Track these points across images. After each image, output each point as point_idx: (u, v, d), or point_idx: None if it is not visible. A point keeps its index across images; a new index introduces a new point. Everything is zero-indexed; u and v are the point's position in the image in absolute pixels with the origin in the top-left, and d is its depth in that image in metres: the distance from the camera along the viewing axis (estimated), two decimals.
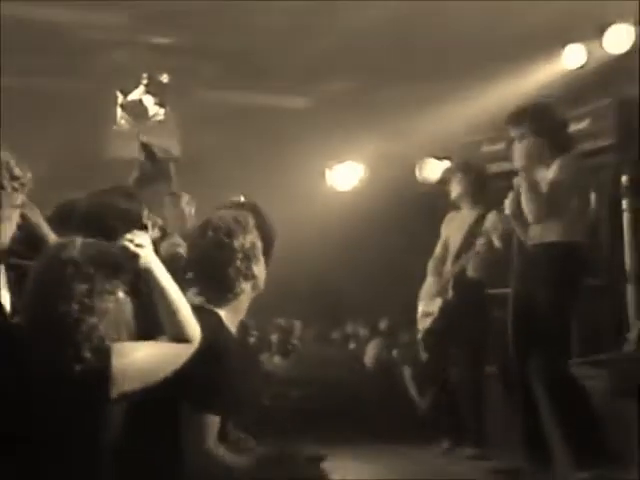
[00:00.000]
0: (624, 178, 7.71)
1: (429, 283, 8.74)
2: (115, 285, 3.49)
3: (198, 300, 4.09)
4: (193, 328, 3.55)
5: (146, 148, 7.44)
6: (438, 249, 8.73)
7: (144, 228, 4.46)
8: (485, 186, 8.30)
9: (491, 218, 7.91)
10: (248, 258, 4.09)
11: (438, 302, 8.49)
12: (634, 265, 7.55)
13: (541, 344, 6.42)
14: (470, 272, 8.27)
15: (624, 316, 7.63)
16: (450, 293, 8.33)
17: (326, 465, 6.76)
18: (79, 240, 3.47)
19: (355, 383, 11.19)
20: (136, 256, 3.53)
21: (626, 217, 7.64)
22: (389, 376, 11.31)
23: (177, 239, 6.03)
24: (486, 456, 7.75)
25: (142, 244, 3.55)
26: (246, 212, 4.29)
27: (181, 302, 3.57)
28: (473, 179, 8.36)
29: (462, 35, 9.51)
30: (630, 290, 7.57)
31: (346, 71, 11.06)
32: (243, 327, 11.11)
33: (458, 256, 8.39)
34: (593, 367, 7.00)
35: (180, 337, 3.53)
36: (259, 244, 4.19)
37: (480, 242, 7.91)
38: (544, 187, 6.47)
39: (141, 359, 3.43)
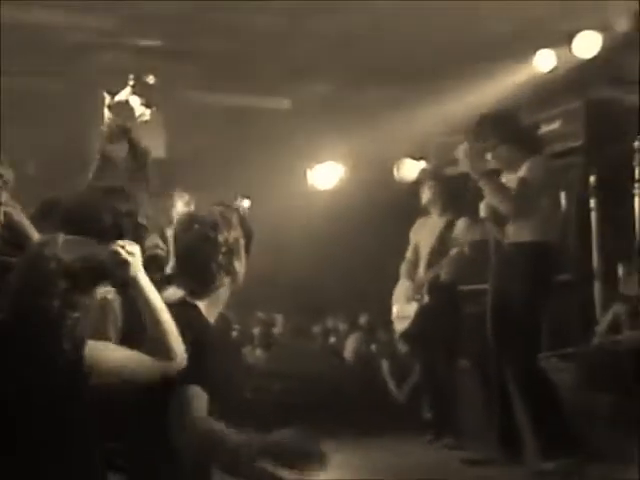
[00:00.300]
0: (592, 178, 7.78)
1: (403, 286, 8.80)
2: (99, 282, 3.55)
3: (179, 293, 4.07)
4: (175, 342, 3.56)
5: (132, 142, 7.53)
6: (409, 254, 8.81)
7: (141, 228, 4.50)
8: (455, 192, 8.29)
9: (460, 225, 8.03)
10: (231, 253, 4.07)
11: (414, 306, 8.54)
12: (601, 262, 7.62)
13: (513, 338, 6.47)
14: (443, 276, 8.34)
15: (592, 311, 7.71)
16: (425, 298, 8.38)
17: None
18: (61, 237, 3.48)
19: (335, 376, 11.19)
20: (127, 263, 3.54)
21: (594, 216, 7.71)
22: (368, 370, 11.37)
23: (157, 240, 6.08)
24: (462, 447, 7.80)
25: (133, 252, 3.57)
26: (230, 209, 4.28)
27: (163, 314, 3.59)
28: (443, 186, 8.44)
29: (439, 39, 9.59)
30: (597, 286, 7.65)
31: (328, 73, 11.15)
32: (225, 320, 11.19)
33: (430, 262, 8.45)
34: (562, 360, 7.10)
35: (160, 348, 3.53)
36: (242, 240, 4.17)
37: (453, 252, 8.01)
38: (513, 187, 6.53)
39: (116, 358, 3.48)
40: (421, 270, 8.56)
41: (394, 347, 11.56)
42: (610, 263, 7.45)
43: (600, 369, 6.77)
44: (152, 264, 4.34)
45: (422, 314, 8.38)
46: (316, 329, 12.82)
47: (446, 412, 8.50)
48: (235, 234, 4.11)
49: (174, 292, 4.06)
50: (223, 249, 4.03)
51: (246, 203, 8.59)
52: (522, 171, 6.52)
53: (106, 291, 4.26)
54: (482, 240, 7.29)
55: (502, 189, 6.59)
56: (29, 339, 3.30)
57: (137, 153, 5.46)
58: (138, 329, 3.68)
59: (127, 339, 3.85)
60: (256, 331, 12.56)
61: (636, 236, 7.05)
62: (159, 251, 5.67)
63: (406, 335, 8.74)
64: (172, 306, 3.85)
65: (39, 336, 3.30)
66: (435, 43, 9.67)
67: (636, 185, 7.01)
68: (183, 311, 3.87)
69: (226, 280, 4.07)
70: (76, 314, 3.34)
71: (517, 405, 6.72)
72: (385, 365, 11.33)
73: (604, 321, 7.35)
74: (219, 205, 4.33)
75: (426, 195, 8.68)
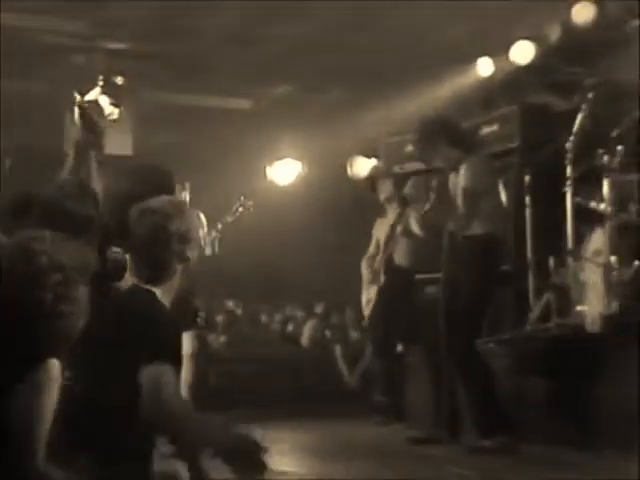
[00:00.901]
0: (527, 177, 7.84)
1: (365, 276, 8.89)
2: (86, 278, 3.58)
3: (131, 280, 4.08)
4: None
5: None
6: (371, 248, 8.92)
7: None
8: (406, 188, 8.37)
9: (411, 215, 8.04)
10: (183, 241, 4.08)
11: (374, 289, 8.67)
12: (534, 254, 7.68)
13: (459, 324, 6.58)
14: (397, 259, 8.50)
15: (526, 300, 7.76)
16: (382, 279, 8.52)
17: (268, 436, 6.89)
18: (48, 233, 3.39)
19: (293, 361, 11.39)
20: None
21: (528, 213, 7.78)
22: (323, 354, 11.56)
23: None
24: (408, 427, 7.86)
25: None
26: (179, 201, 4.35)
27: None
28: (395, 183, 8.44)
29: (390, 47, 9.80)
30: (531, 276, 7.72)
31: (286, 76, 11.28)
32: (190, 308, 11.24)
33: (385, 247, 8.60)
34: (499, 345, 7.09)
35: None
36: (193, 228, 4.19)
37: (399, 229, 8.16)
38: (456, 186, 6.64)
39: None
40: (379, 258, 8.70)
41: (346, 333, 11.76)
42: (542, 256, 7.46)
43: (532, 354, 6.85)
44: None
45: (380, 295, 8.52)
46: (277, 317, 12.94)
47: (395, 394, 8.56)
48: (187, 222, 4.12)
49: (126, 279, 4.09)
50: (175, 238, 4.03)
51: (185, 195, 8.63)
52: (462, 172, 6.61)
53: None
54: (433, 226, 7.30)
55: (440, 187, 6.71)
56: (15, 331, 3.20)
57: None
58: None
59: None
60: (220, 319, 12.69)
61: (566, 230, 7.09)
62: (118, 256, 5.62)
63: (370, 317, 8.80)
64: (125, 293, 3.94)
65: (29, 328, 3.21)
66: (387, 50, 9.86)
67: (567, 183, 7.01)
68: (137, 297, 3.91)
69: (179, 267, 4.09)
70: (68, 307, 3.28)
71: (459, 388, 6.81)
72: (338, 350, 11.51)
73: (536, 309, 7.43)
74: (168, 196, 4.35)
75: (382, 193, 8.79)
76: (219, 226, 8.34)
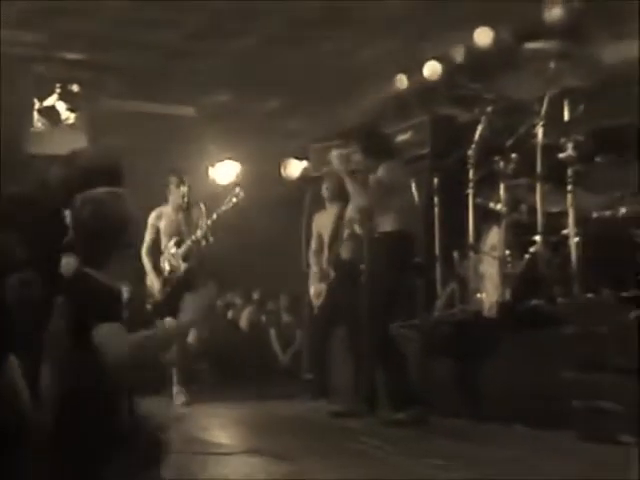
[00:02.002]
0: (435, 180, 7.90)
1: (314, 271, 8.81)
2: None
3: (73, 264, 4.05)
4: None
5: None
6: (314, 244, 8.85)
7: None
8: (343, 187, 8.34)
9: (349, 211, 8.09)
10: (123, 229, 3.98)
11: (324, 284, 8.61)
12: (441, 248, 7.72)
13: (375, 309, 6.62)
14: (344, 254, 8.37)
15: (433, 289, 7.80)
16: (332, 274, 8.47)
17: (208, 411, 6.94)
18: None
19: (234, 343, 11.54)
20: None
21: (436, 211, 7.83)
22: (259, 337, 11.70)
23: None
24: (330, 401, 7.93)
25: None
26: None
27: None
28: (334, 183, 8.42)
29: (320, 62, 9.97)
30: (438, 268, 7.76)
31: (227, 86, 11.33)
32: (142, 295, 11.24)
33: (331, 245, 8.54)
34: (410, 329, 7.18)
35: None
36: (132, 217, 4.07)
37: (346, 232, 8.02)
38: (372, 187, 6.71)
39: None
40: (325, 253, 8.66)
41: (280, 318, 11.88)
42: (448, 250, 7.54)
43: (439, 336, 6.95)
44: None
45: (330, 289, 8.48)
46: (219, 303, 13.03)
47: (321, 373, 8.61)
48: (126, 210, 4.04)
49: (67, 262, 4.11)
50: (115, 225, 3.95)
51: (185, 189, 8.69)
52: (378, 174, 6.68)
53: None
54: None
55: (360, 187, 6.77)
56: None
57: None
58: None
59: None
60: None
61: (468, 227, 7.16)
62: None
63: (320, 308, 8.71)
64: (69, 279, 3.94)
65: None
66: (317, 65, 10.03)
67: (469, 186, 7.12)
68: (81, 281, 3.84)
69: (121, 253, 4.00)
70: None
71: (376, 367, 6.86)
72: (273, 333, 11.65)
73: (443, 297, 7.52)
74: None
75: (325, 193, 8.80)
76: (214, 216, 8.44)
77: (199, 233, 8.27)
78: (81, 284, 3.81)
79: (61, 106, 10.07)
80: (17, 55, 9.63)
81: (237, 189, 8.27)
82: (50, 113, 10.04)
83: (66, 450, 3.46)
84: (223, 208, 8.42)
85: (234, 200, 8.21)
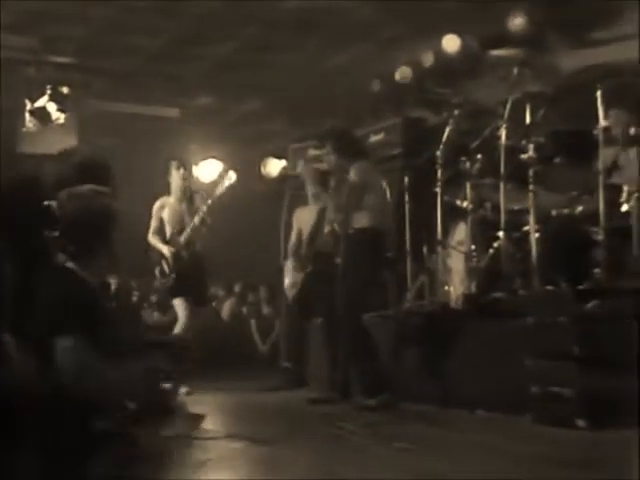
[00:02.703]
0: (406, 179, 7.86)
1: (292, 262, 8.76)
2: None
3: (62, 259, 4.07)
4: None
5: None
6: (293, 237, 8.79)
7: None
8: (324, 186, 8.28)
9: (329, 211, 7.98)
10: (105, 223, 4.10)
11: (301, 275, 8.56)
12: (412, 244, 7.65)
13: (349, 301, 6.62)
14: (321, 249, 8.26)
15: (404, 282, 7.74)
16: (309, 267, 8.41)
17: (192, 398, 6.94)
18: None
19: (216, 333, 11.46)
20: None
21: (407, 208, 7.77)
22: (240, 327, 11.71)
23: None
24: (307, 388, 7.95)
25: None
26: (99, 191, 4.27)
27: None
28: (316, 182, 8.04)
29: (297, 65, 10.07)
30: (409, 262, 7.70)
31: (209, 89, 11.37)
32: (126, 287, 11.20)
33: (311, 240, 8.46)
34: (382, 319, 7.11)
35: None
36: (115, 212, 4.19)
37: (327, 230, 7.83)
38: (346, 186, 6.71)
39: None
40: (304, 247, 8.60)
41: (260, 309, 11.89)
42: (418, 245, 7.57)
43: (409, 327, 6.89)
44: None
45: (307, 281, 8.42)
46: None
47: (299, 361, 8.57)
48: (109, 206, 4.16)
49: (59, 259, 4.06)
50: (98, 219, 4.06)
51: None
52: (351, 174, 6.69)
53: None
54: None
55: (340, 188, 6.81)
56: None
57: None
58: None
59: None
60: (153, 298, 12.70)
61: (437, 223, 7.12)
62: None
63: (295, 298, 8.64)
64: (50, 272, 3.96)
65: None
66: (293, 68, 10.09)
67: (437, 184, 7.09)
68: (63, 275, 3.94)
69: (104, 248, 4.12)
70: None
71: (350, 356, 6.83)
72: (253, 324, 11.66)
73: (412, 289, 7.54)
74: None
75: (309, 191, 8.43)
76: (209, 202, 8.22)
77: (196, 219, 8.13)
78: (61, 279, 3.89)
79: (52, 107, 10.02)
80: (9, 59, 9.58)
81: (230, 172, 8.06)
82: (41, 114, 10.00)
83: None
84: (218, 193, 8.29)
85: (227, 184, 8.06)
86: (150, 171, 10.88)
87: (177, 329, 8.18)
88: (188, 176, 8.25)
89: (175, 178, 8.26)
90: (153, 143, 11.52)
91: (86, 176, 4.60)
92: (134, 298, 12.29)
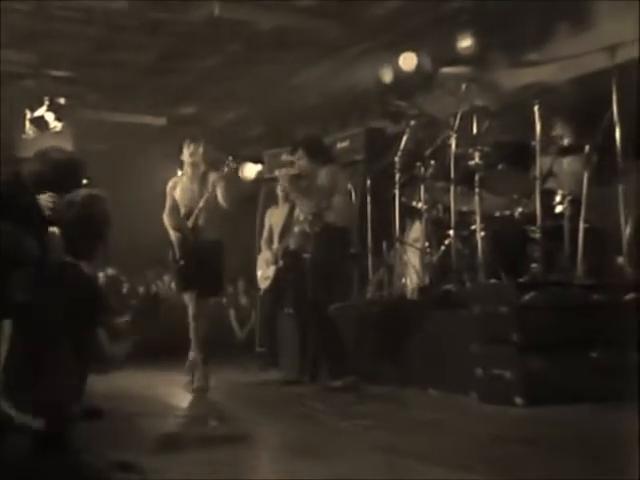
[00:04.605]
0: (368, 182, 7.88)
1: (264, 256, 8.74)
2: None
3: (64, 256, 4.07)
4: None
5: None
6: (265, 233, 8.77)
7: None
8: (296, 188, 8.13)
9: (297, 212, 7.80)
10: (102, 225, 4.09)
11: (272, 269, 8.57)
12: (373, 240, 7.66)
13: (317, 292, 6.63)
14: (292, 246, 8.20)
15: (366, 275, 7.74)
16: (280, 262, 8.43)
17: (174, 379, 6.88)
18: None
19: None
20: None
21: (369, 209, 7.78)
22: (220, 316, 11.59)
23: None
24: (279, 371, 7.93)
25: None
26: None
27: None
28: (285, 186, 7.87)
29: (273, 76, 10.08)
30: (370, 257, 7.71)
31: (193, 99, 11.42)
32: (117, 280, 11.12)
33: (282, 237, 8.46)
34: (346, 309, 7.12)
35: None
36: (108, 215, 4.17)
37: (296, 229, 7.71)
38: (315, 188, 6.71)
39: None
40: (275, 243, 8.60)
41: (238, 300, 11.87)
42: (378, 241, 7.59)
43: (370, 316, 6.90)
44: None
45: (278, 273, 8.44)
46: None
47: (272, 346, 8.57)
48: (104, 209, 4.14)
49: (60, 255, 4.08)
50: (95, 222, 4.05)
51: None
52: (319, 177, 6.71)
53: None
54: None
55: (309, 190, 6.79)
56: None
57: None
58: None
59: None
60: (141, 289, 12.74)
61: (395, 222, 7.14)
62: None
63: (267, 291, 8.69)
64: (56, 267, 3.95)
65: None
66: (271, 79, 10.13)
67: (396, 187, 7.13)
68: (66, 270, 3.93)
69: (100, 245, 4.13)
70: None
71: (318, 341, 6.88)
72: (232, 313, 11.68)
73: (373, 282, 7.56)
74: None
75: (279, 193, 8.67)
76: (222, 183, 7.63)
77: (201, 203, 7.00)
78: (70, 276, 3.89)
79: (50, 116, 9.99)
80: (9, 73, 9.66)
81: (230, 157, 7.47)
82: (40, 122, 9.96)
83: None
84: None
85: (226, 169, 7.11)
86: (139, 174, 10.92)
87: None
88: (195, 151, 7.18)
89: (185, 155, 7.28)
90: (142, 148, 11.57)
91: (61, 173, 4.49)
92: (124, 289, 12.33)
